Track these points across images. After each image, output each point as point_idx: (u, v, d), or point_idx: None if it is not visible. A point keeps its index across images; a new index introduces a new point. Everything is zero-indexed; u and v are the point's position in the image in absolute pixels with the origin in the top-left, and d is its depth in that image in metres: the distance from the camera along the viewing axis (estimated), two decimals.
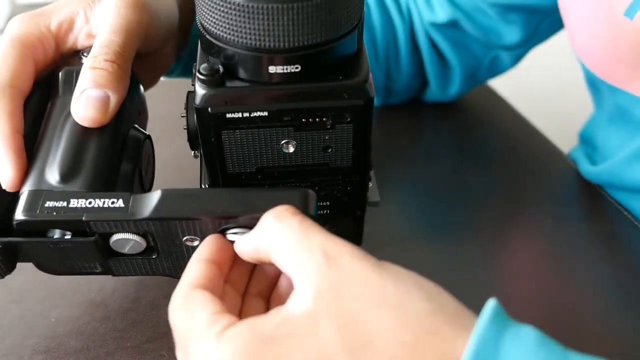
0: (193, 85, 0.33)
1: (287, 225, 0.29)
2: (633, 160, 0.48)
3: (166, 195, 0.32)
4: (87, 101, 0.35)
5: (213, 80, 0.32)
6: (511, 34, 0.58)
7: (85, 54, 0.38)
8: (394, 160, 0.57)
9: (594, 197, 0.53)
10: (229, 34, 0.31)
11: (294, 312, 0.27)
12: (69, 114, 0.36)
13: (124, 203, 0.32)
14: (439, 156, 0.59)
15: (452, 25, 0.59)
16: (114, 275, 0.37)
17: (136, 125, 0.39)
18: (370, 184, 0.40)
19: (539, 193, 0.54)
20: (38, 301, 0.42)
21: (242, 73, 0.32)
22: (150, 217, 0.32)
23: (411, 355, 0.25)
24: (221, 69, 0.32)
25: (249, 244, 0.31)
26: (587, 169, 0.54)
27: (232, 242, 0.32)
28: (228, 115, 0.33)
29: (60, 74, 0.38)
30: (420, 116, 0.66)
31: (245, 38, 0.31)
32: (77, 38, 0.39)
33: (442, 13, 0.59)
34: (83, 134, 0.36)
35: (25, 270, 0.44)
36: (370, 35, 0.60)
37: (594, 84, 0.54)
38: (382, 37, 0.60)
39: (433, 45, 0.62)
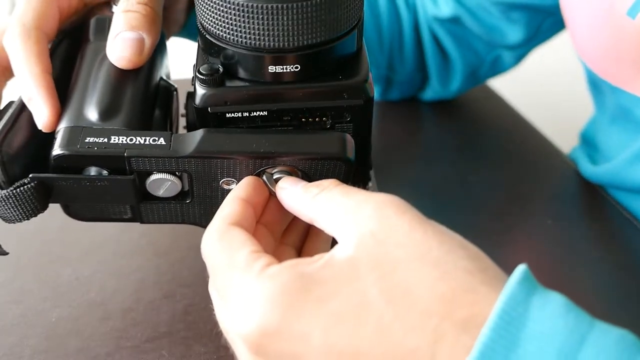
0: (193, 85, 0.33)
1: (330, 196, 0.29)
2: (634, 161, 0.48)
3: (208, 133, 0.32)
4: (123, 42, 0.36)
5: (213, 80, 0.32)
6: (514, 33, 0.58)
7: (115, 4, 0.38)
8: (394, 160, 0.57)
9: (594, 197, 0.53)
10: (229, 33, 0.31)
11: (337, 258, 0.27)
12: (103, 57, 0.36)
13: (165, 141, 0.32)
14: (438, 156, 0.59)
15: (454, 21, 0.59)
16: (142, 222, 0.37)
17: (164, 77, 0.40)
18: (370, 184, 0.40)
19: (539, 193, 0.54)
20: (38, 301, 0.42)
21: (241, 73, 0.32)
22: (193, 155, 0.32)
23: (446, 308, 0.25)
24: (221, 69, 0.32)
25: (293, 207, 0.31)
26: (588, 169, 0.54)
27: (277, 179, 0.32)
28: (228, 115, 0.33)
29: (91, 21, 0.39)
30: (421, 116, 0.66)
31: (245, 38, 0.31)
32: None
33: (445, 8, 0.59)
34: (119, 76, 0.36)
35: (25, 270, 0.44)
36: (376, 23, 0.60)
37: (596, 84, 0.54)
38: (388, 26, 0.61)
39: (435, 39, 0.62)
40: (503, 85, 0.75)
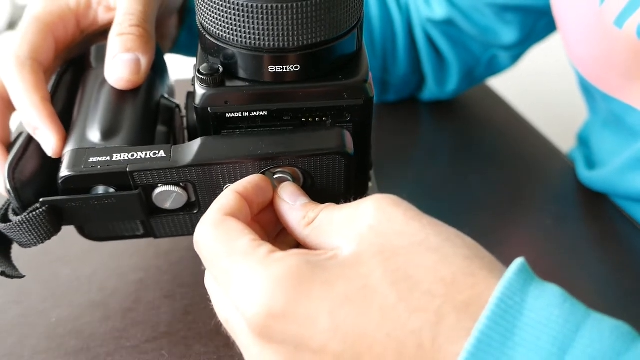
0: (193, 85, 0.33)
1: (326, 217, 0.30)
2: (625, 169, 0.48)
3: (206, 141, 0.33)
4: (120, 64, 0.36)
5: (213, 80, 0.32)
6: (508, 34, 0.58)
7: None
8: (393, 160, 0.57)
9: (594, 197, 0.53)
10: (229, 33, 0.31)
11: (342, 254, 0.28)
12: (103, 81, 0.37)
13: (165, 153, 0.33)
14: (438, 156, 0.59)
15: (448, 23, 0.59)
16: (155, 237, 0.38)
17: (166, 95, 0.40)
18: (370, 184, 0.40)
19: (539, 193, 0.54)
20: (38, 301, 0.42)
21: (241, 73, 0.33)
22: (193, 164, 0.32)
23: (447, 291, 0.25)
24: (221, 69, 0.32)
25: (288, 227, 0.31)
26: (584, 175, 0.54)
27: (277, 179, 0.33)
28: (228, 115, 0.33)
29: (92, 49, 0.40)
30: (420, 116, 0.66)
31: (245, 38, 0.31)
32: (97, 12, 0.40)
33: (439, 10, 0.59)
34: (119, 97, 0.37)
35: (25, 270, 0.44)
36: (367, 26, 0.60)
37: (587, 90, 0.54)
38: (379, 29, 0.60)
39: (430, 40, 0.62)
40: (502, 84, 0.75)
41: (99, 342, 0.39)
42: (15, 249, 0.37)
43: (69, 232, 0.47)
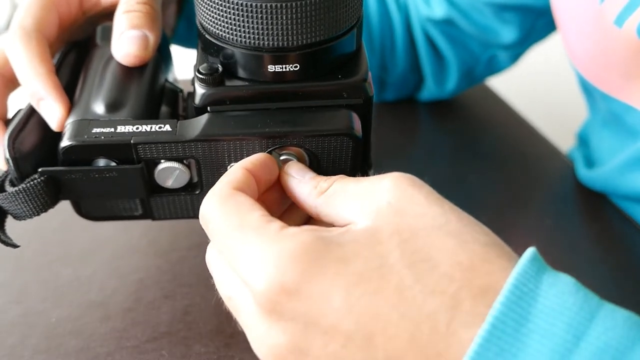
0: (192, 85, 0.34)
1: (342, 186, 0.29)
2: (624, 169, 0.48)
3: (213, 117, 0.33)
4: (128, 40, 0.36)
5: (212, 80, 0.32)
6: (507, 33, 0.58)
7: None
8: (393, 159, 0.57)
9: (593, 197, 0.53)
10: (228, 33, 0.31)
11: (356, 228, 0.27)
12: (109, 58, 0.37)
13: (171, 127, 0.33)
14: (438, 156, 0.59)
15: (448, 22, 0.59)
16: (153, 219, 0.37)
17: (170, 80, 0.40)
18: None
19: (539, 193, 0.54)
20: (38, 301, 0.42)
21: (241, 72, 0.33)
22: (199, 138, 0.32)
23: (465, 276, 0.25)
24: (220, 69, 0.33)
25: (298, 199, 0.31)
26: (583, 174, 0.54)
27: (284, 160, 0.33)
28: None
29: (97, 29, 0.40)
30: (420, 116, 0.66)
31: (244, 37, 0.31)
32: None
33: (438, 9, 0.59)
34: (125, 73, 0.37)
35: (25, 270, 0.44)
36: (366, 24, 0.60)
37: (587, 89, 0.54)
38: (378, 27, 0.60)
39: (429, 40, 0.62)
40: (502, 84, 0.75)
41: (99, 342, 0.39)
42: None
43: (69, 232, 0.47)
